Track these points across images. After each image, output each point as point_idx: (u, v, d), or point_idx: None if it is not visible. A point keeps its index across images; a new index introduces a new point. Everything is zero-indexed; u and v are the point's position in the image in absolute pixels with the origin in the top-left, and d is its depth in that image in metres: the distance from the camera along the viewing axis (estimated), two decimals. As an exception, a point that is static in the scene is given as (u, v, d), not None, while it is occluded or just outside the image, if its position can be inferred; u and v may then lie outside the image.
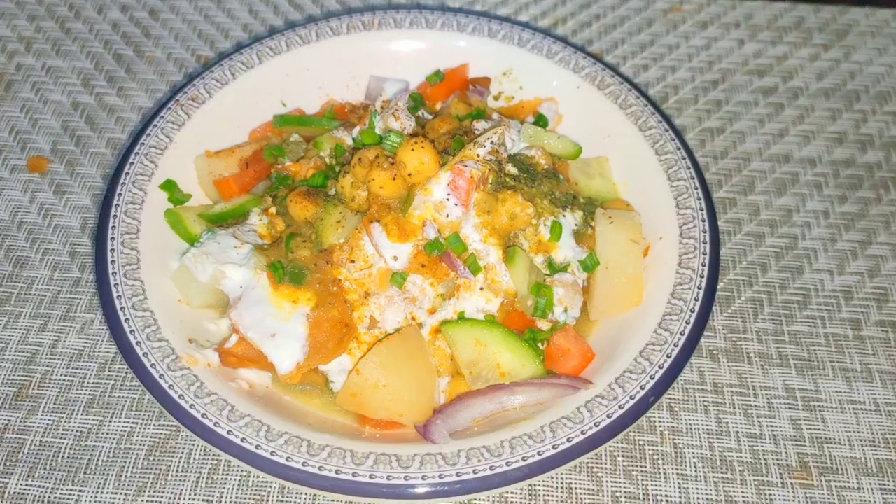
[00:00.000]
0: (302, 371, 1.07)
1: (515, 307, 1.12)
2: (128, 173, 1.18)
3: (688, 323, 1.05)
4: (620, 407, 0.99)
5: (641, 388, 1.00)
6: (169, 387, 1.00)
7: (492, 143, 1.16)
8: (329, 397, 1.10)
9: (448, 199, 1.09)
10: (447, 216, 1.09)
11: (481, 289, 1.10)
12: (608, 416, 0.98)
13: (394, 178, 1.10)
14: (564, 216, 1.16)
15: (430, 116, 1.31)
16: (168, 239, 1.18)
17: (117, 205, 1.15)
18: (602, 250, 1.14)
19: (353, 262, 1.10)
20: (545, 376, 1.07)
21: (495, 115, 1.28)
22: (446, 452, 0.96)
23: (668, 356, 1.02)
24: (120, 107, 1.49)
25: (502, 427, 1.00)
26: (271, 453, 0.96)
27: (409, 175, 1.09)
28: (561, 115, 1.34)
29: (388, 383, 1.03)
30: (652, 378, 1.00)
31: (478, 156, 1.14)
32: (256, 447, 0.96)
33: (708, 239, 1.12)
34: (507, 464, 0.95)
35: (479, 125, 1.23)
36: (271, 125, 1.32)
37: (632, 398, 0.99)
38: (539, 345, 1.10)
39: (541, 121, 1.32)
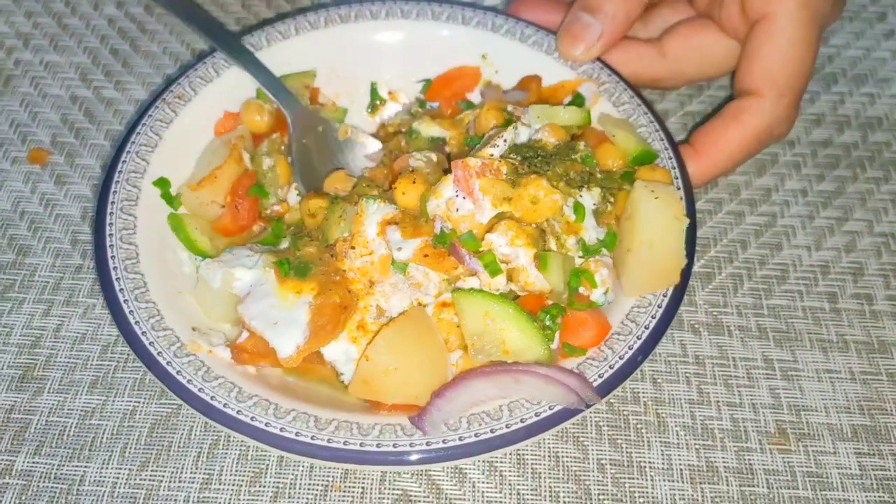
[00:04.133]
0: (302, 354, 1.08)
1: (546, 298, 1.11)
2: (121, 171, 1.21)
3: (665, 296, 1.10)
4: (611, 367, 1.04)
5: (630, 348, 1.05)
6: (177, 372, 1.04)
7: (504, 141, 1.17)
8: (341, 391, 1.11)
9: (457, 195, 1.12)
10: (457, 210, 1.11)
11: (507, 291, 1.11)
12: (599, 377, 1.03)
13: (414, 182, 1.13)
14: (581, 196, 1.14)
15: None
16: (165, 234, 1.22)
17: (113, 202, 1.18)
18: (645, 227, 1.10)
19: (353, 248, 1.13)
20: (550, 360, 1.07)
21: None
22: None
23: (653, 317, 1.07)
24: (117, 100, 1.53)
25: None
26: (280, 430, 1.00)
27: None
28: (597, 95, 1.34)
29: (399, 366, 1.04)
30: (639, 338, 1.06)
31: (491, 156, 1.15)
32: (266, 425, 1.00)
33: (684, 206, 1.16)
34: (507, 426, 0.99)
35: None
36: (233, 115, 1.34)
37: (621, 358, 1.04)
38: (557, 320, 1.09)
39: (578, 99, 1.33)
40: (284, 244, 1.23)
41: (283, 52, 1.37)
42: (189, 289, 1.18)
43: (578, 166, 1.17)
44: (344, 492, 1.11)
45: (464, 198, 1.11)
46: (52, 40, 1.62)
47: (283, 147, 1.32)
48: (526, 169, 1.14)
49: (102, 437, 1.16)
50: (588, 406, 1.01)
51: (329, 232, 1.16)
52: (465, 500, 1.11)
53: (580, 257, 1.13)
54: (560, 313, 1.09)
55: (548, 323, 1.08)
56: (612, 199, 1.16)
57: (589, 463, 1.14)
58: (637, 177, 1.17)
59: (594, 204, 1.15)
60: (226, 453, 1.14)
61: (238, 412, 1.01)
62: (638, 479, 1.12)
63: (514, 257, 1.09)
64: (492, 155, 1.15)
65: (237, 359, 1.09)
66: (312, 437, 0.99)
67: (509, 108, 1.27)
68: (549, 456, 1.14)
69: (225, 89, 1.34)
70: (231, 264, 1.15)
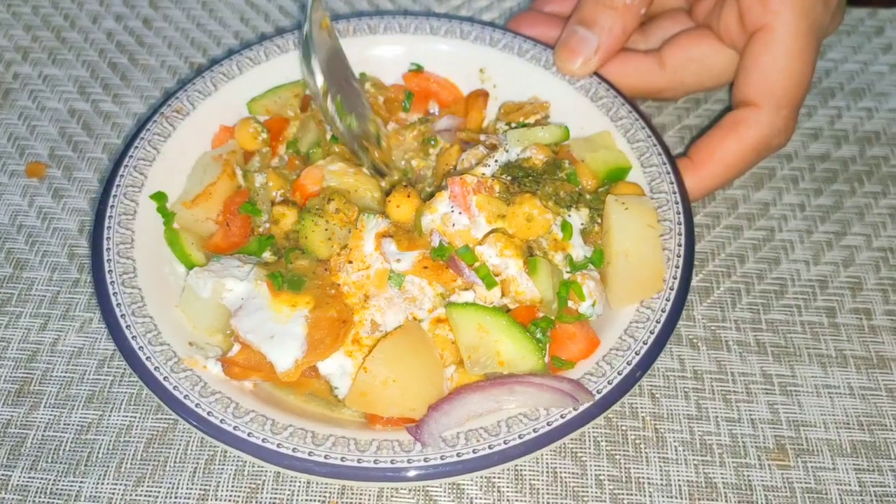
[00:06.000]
0: (300, 368, 1.08)
1: (537, 309, 1.12)
2: (119, 185, 1.21)
3: (668, 300, 1.10)
4: (609, 382, 1.03)
5: (628, 363, 1.05)
6: (174, 388, 1.03)
7: (496, 162, 1.20)
8: (335, 405, 1.10)
9: (452, 211, 1.13)
10: (453, 225, 1.12)
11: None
12: (598, 392, 1.02)
13: (408, 197, 1.14)
14: (570, 216, 1.17)
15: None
16: (162, 249, 1.22)
17: (110, 216, 1.18)
18: (619, 238, 1.13)
19: (350, 262, 1.13)
20: (545, 371, 1.07)
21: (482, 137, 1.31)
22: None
23: (652, 332, 1.07)
24: (115, 113, 1.53)
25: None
26: (278, 445, 0.99)
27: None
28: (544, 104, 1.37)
29: (398, 378, 1.03)
30: (637, 354, 1.05)
31: (483, 174, 1.17)
32: (263, 441, 0.99)
33: (682, 220, 1.16)
34: (504, 442, 0.99)
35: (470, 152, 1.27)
36: (229, 129, 1.34)
37: (619, 373, 1.04)
38: (547, 333, 1.10)
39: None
40: (267, 255, 1.22)
41: (281, 66, 1.38)
42: (187, 303, 1.18)
43: (567, 186, 1.20)
44: (341, 508, 1.11)
45: (459, 213, 1.12)
46: (50, 54, 1.62)
47: (275, 160, 1.32)
48: (517, 188, 1.15)
49: (98, 453, 1.15)
50: (585, 412, 1.01)
51: (317, 251, 1.15)
52: (462, 516, 1.11)
53: (567, 272, 1.15)
54: (550, 326, 1.10)
55: (539, 336, 1.09)
56: (599, 220, 1.18)
57: (587, 479, 1.13)
58: (610, 192, 1.20)
59: (582, 224, 1.17)
60: (222, 469, 1.14)
61: (235, 428, 1.00)
62: (636, 495, 1.12)
63: (504, 268, 1.11)
64: (483, 174, 1.16)
65: (228, 373, 1.09)
66: (310, 453, 0.99)
67: (482, 137, 1.28)
68: (547, 472, 1.14)
69: (223, 103, 1.34)
70: (221, 274, 1.14)
